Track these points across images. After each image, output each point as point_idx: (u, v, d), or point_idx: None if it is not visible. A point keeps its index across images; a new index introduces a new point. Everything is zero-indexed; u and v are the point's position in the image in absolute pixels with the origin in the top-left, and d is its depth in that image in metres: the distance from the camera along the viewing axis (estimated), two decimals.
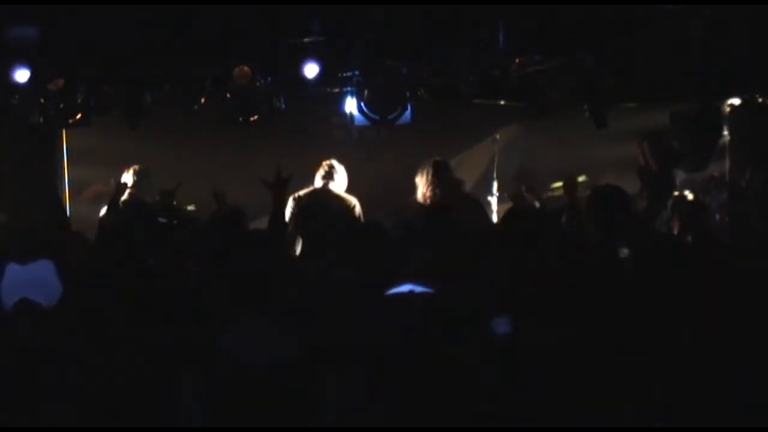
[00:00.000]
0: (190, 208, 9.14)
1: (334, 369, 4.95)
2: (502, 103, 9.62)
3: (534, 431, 5.01)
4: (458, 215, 6.70)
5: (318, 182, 9.25)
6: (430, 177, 8.85)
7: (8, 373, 4.73)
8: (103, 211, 9.05)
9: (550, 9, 8.16)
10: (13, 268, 4.89)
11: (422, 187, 8.89)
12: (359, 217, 8.86)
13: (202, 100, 8.93)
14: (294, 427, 4.78)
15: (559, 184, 9.90)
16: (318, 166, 9.28)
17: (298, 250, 7.54)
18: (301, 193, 9.13)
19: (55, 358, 4.77)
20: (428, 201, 8.80)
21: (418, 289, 4.78)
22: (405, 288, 4.79)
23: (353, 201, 9.12)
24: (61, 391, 4.72)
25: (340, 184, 9.28)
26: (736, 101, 9.32)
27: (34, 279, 4.86)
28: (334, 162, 9.30)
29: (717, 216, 9.21)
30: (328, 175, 9.25)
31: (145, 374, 4.96)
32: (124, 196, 9.11)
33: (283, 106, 9.16)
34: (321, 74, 8.68)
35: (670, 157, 9.14)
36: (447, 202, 8.22)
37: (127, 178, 9.22)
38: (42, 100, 8.84)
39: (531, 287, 5.31)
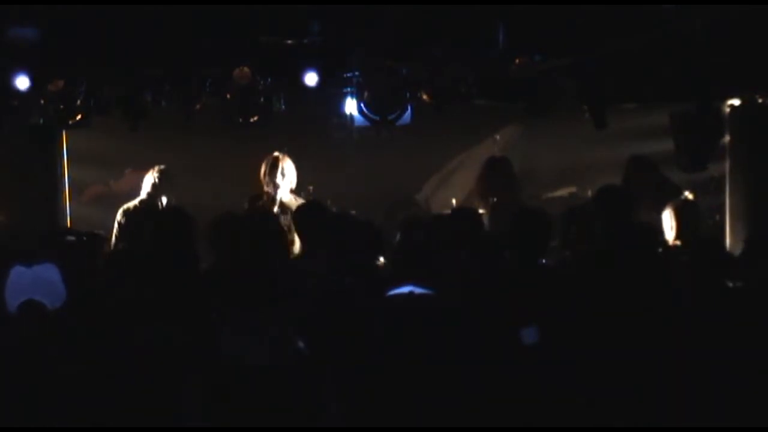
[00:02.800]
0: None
1: (334, 370, 4.95)
2: (502, 103, 9.61)
3: (535, 431, 5.02)
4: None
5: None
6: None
7: (13, 373, 4.73)
8: (120, 215, 9.08)
9: (550, 9, 8.16)
10: (18, 270, 4.89)
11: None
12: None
13: (202, 101, 8.91)
14: (294, 428, 4.78)
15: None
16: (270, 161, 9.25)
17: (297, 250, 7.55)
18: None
19: (59, 358, 4.77)
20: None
21: (418, 290, 4.79)
22: (405, 289, 4.79)
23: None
24: (64, 392, 4.72)
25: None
26: (736, 101, 9.31)
27: (40, 281, 4.86)
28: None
29: (717, 216, 9.21)
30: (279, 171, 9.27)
31: (146, 374, 4.97)
32: (143, 197, 9.16)
33: (283, 107, 9.15)
34: (320, 81, 8.69)
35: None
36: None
37: (149, 179, 9.23)
38: (42, 101, 8.83)
39: (535, 285, 5.33)
